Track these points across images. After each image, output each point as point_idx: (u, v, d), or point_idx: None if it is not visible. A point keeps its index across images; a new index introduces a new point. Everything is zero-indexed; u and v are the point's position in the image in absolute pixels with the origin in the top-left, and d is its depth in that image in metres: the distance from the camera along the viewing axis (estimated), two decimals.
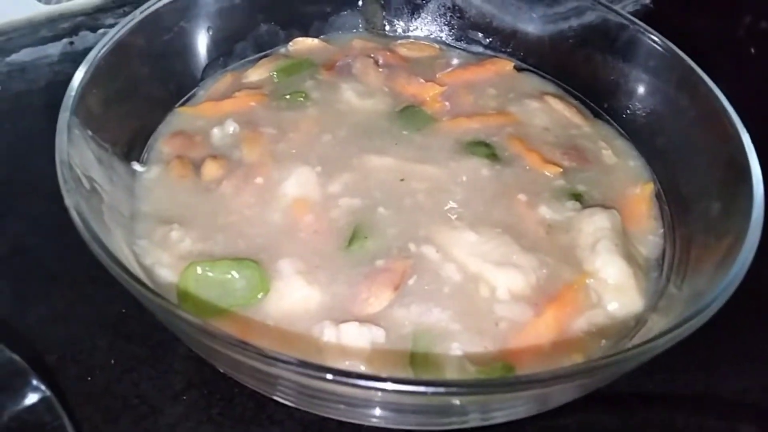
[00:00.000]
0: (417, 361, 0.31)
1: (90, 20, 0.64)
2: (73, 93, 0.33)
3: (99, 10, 0.63)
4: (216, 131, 0.41)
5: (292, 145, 0.41)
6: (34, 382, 0.26)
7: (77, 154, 0.31)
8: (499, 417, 0.29)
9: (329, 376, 0.24)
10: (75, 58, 0.62)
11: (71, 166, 0.30)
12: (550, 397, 0.28)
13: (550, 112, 0.45)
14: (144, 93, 0.41)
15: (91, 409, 0.36)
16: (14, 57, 0.61)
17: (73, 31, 0.64)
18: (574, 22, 0.47)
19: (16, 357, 0.27)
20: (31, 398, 0.26)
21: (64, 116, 0.32)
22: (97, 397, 0.36)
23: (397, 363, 0.31)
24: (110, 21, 0.65)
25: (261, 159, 0.40)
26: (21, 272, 0.42)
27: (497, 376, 0.29)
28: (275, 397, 0.30)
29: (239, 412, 0.36)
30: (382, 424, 0.31)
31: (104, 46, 0.36)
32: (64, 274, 0.42)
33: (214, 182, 0.38)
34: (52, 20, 0.64)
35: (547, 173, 0.40)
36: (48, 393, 0.26)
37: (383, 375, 0.25)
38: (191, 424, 0.36)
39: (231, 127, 0.41)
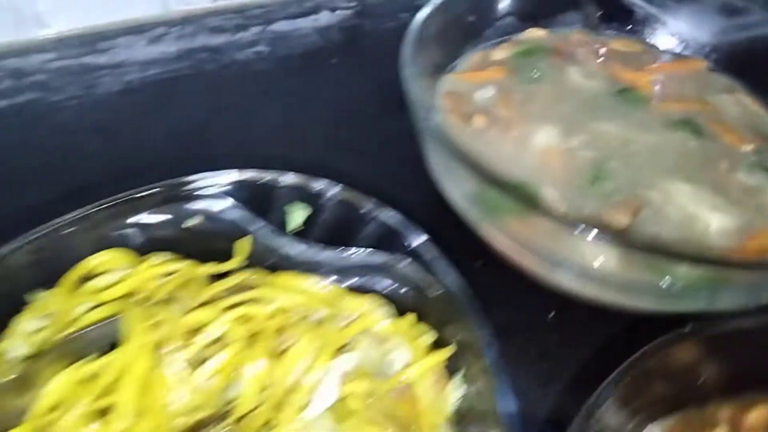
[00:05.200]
0: None
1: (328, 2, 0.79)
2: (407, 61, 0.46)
3: None
4: (478, 93, 0.54)
5: (536, 109, 0.53)
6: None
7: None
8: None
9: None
10: (320, 32, 0.77)
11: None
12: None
13: (741, 105, 0.55)
14: (428, 62, 0.53)
15: None
16: (274, 26, 0.76)
17: (314, 10, 0.79)
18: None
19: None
20: None
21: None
22: None
23: None
24: (343, 4, 0.80)
25: (516, 116, 0.52)
26: None
27: None
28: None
29: None
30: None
31: (425, 19, 0.49)
32: None
33: (483, 131, 0.51)
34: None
35: (742, 150, 0.51)
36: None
37: None
38: None
39: (489, 91, 0.54)
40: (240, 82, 0.69)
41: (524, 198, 0.40)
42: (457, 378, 0.38)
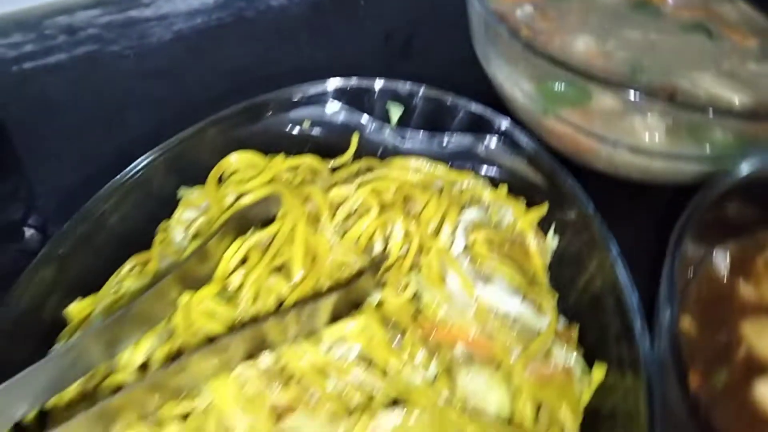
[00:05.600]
0: None
1: None
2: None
3: None
4: (519, 11, 0.61)
5: (571, 22, 0.61)
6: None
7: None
8: None
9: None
10: None
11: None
12: None
13: (739, 11, 0.64)
14: None
15: None
16: None
17: None
18: None
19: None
20: None
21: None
22: None
23: None
24: None
25: (554, 29, 0.59)
26: None
27: None
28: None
29: None
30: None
31: None
32: None
33: (532, 40, 0.58)
34: None
35: (748, 46, 0.60)
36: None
37: None
38: None
39: (528, 9, 0.61)
40: (280, 24, 0.75)
41: (588, 77, 0.47)
42: (551, 231, 0.45)
